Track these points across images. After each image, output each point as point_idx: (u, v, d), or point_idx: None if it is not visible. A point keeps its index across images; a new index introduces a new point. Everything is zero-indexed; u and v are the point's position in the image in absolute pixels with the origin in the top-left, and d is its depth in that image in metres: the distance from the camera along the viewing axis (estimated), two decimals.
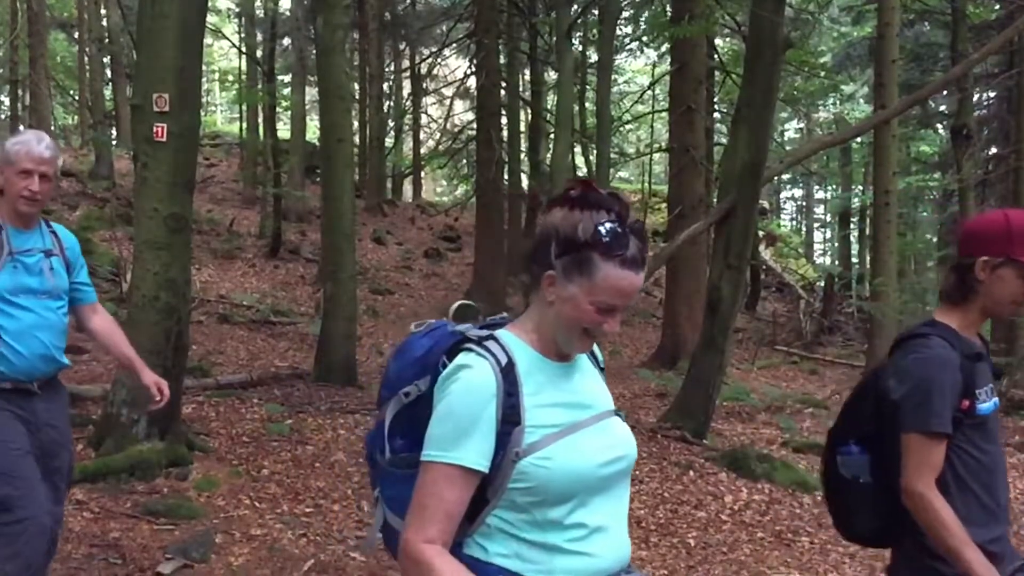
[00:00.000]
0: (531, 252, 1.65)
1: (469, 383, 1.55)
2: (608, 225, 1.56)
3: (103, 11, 21.11)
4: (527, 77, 21.50)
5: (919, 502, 2.07)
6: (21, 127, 18.35)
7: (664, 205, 18.86)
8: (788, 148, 24.77)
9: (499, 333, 1.65)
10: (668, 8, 13.38)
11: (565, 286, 1.59)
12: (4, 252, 2.97)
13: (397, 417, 1.67)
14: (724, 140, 16.70)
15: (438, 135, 23.47)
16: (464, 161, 23.29)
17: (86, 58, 22.91)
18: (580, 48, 19.00)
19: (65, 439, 3.19)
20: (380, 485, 1.74)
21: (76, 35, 24.51)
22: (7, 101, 24.73)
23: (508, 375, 1.57)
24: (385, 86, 25.55)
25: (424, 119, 26.65)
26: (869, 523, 2.29)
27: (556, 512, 1.57)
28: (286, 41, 21.61)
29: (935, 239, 23.94)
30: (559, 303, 1.61)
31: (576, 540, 1.58)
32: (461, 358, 1.59)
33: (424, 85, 24.66)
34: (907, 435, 2.11)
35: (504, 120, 16.60)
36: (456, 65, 25.89)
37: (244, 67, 23.61)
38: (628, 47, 22.13)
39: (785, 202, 41.34)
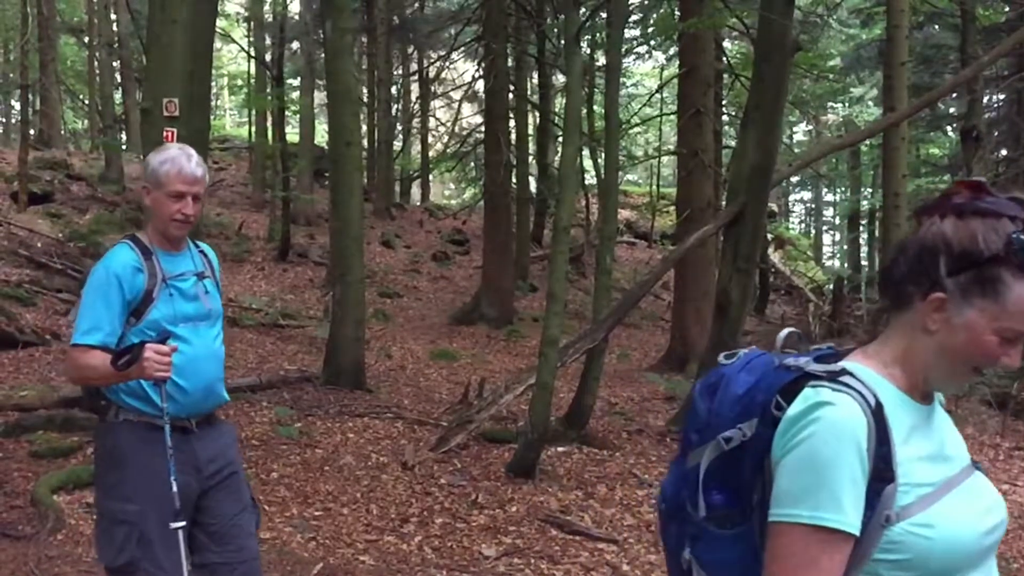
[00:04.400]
0: (903, 270, 1.37)
1: (836, 424, 1.27)
2: (1020, 235, 1.29)
3: (113, 16, 21.24)
4: (535, 80, 21.54)
5: None
6: (31, 131, 18.44)
7: (672, 208, 18.85)
8: (797, 151, 24.74)
9: (851, 367, 1.36)
10: (676, 10, 13.37)
11: (960, 311, 1.31)
12: (158, 279, 2.69)
13: (711, 466, 1.43)
14: (733, 143, 16.71)
15: (446, 138, 23.48)
16: (472, 164, 23.31)
17: (96, 63, 23.04)
18: (588, 51, 19.01)
19: (235, 466, 2.87)
20: (692, 545, 1.48)
21: (86, 40, 24.61)
22: (18, 105, 24.84)
23: (878, 418, 1.29)
24: (393, 90, 25.59)
25: (432, 122, 26.69)
26: None
27: None
28: (295, 45, 21.67)
29: None
30: (947, 331, 1.33)
31: None
32: (816, 394, 1.31)
33: (432, 88, 24.70)
34: None
35: (512, 123, 16.61)
36: (464, 69, 25.92)
37: (253, 71, 23.70)
38: (636, 50, 22.12)
39: (794, 205, 41.25)
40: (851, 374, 1.33)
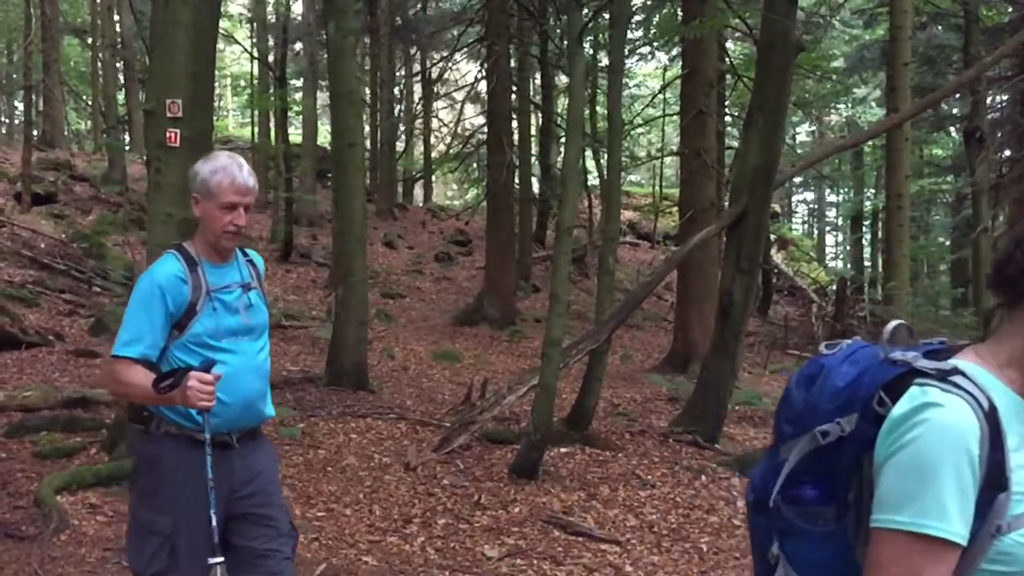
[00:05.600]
0: (1021, 266, 1.29)
1: (945, 427, 1.20)
2: None
3: (116, 17, 21.25)
4: (538, 81, 21.54)
5: None
6: (34, 132, 18.46)
7: (675, 209, 18.85)
8: (799, 151, 24.72)
9: (963, 366, 1.27)
10: (679, 11, 13.37)
11: None
12: (202, 291, 2.62)
13: (805, 460, 1.35)
14: (735, 144, 16.70)
15: (449, 139, 23.49)
16: (475, 165, 23.31)
17: (99, 63, 23.07)
18: (591, 52, 18.99)
19: (271, 491, 2.79)
20: (780, 540, 1.41)
21: (89, 41, 24.66)
22: (21, 106, 24.89)
23: (992, 422, 1.21)
24: (396, 90, 25.62)
25: (435, 123, 26.70)
26: None
27: None
28: (298, 46, 21.72)
29: (948, 242, 23.83)
30: None
31: None
32: (923, 394, 1.23)
33: (435, 89, 24.70)
34: None
35: (515, 124, 16.61)
36: (467, 69, 25.92)
37: (256, 72, 23.71)
38: (639, 51, 22.12)
39: (797, 205, 41.25)
40: (963, 374, 1.25)
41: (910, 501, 1.20)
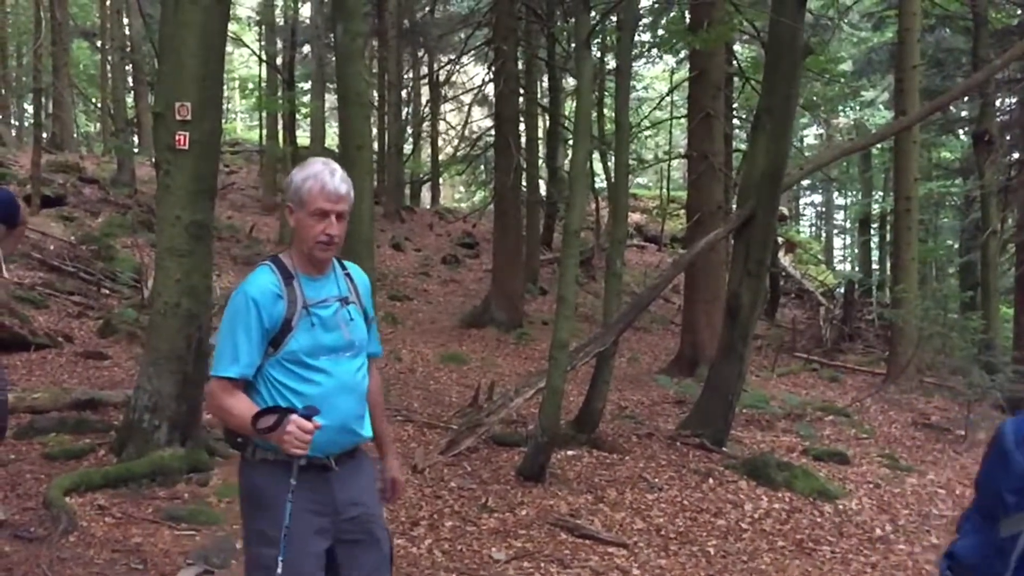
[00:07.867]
0: None
1: None
2: None
3: (125, 20, 21.35)
4: (545, 84, 21.59)
5: None
6: (43, 135, 18.52)
7: (683, 212, 18.84)
8: (807, 154, 24.66)
9: None
10: (687, 15, 13.36)
11: None
12: (298, 306, 2.50)
13: None
14: (743, 146, 16.68)
15: (456, 142, 23.53)
16: (482, 167, 23.35)
17: (108, 66, 23.16)
18: (599, 55, 19.00)
19: (373, 509, 2.69)
20: None
21: (99, 43, 24.75)
22: (31, 109, 24.99)
23: None
24: (404, 93, 25.65)
25: (442, 126, 26.74)
26: None
27: None
28: (306, 49, 21.77)
29: (956, 245, 23.75)
30: None
31: None
32: None
33: (442, 92, 24.74)
34: None
35: (522, 127, 16.63)
36: (474, 72, 25.98)
37: (264, 74, 23.78)
38: (647, 54, 22.11)
39: (805, 208, 41.13)
40: None
41: None
